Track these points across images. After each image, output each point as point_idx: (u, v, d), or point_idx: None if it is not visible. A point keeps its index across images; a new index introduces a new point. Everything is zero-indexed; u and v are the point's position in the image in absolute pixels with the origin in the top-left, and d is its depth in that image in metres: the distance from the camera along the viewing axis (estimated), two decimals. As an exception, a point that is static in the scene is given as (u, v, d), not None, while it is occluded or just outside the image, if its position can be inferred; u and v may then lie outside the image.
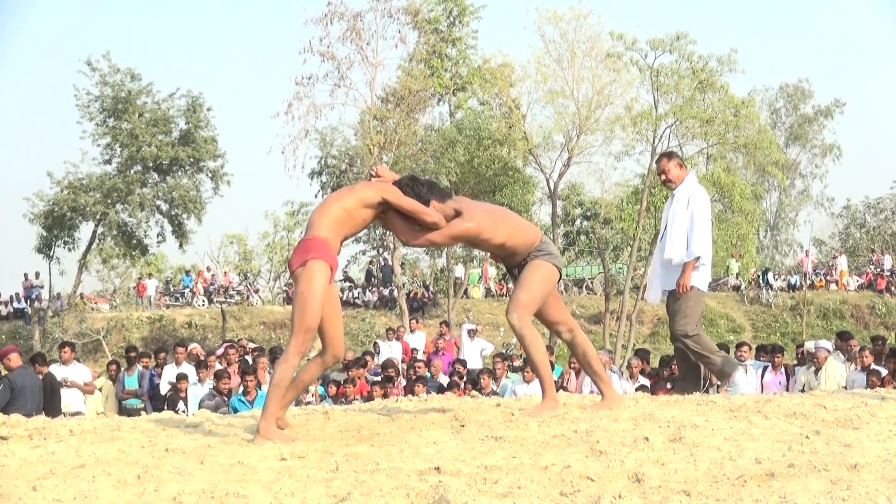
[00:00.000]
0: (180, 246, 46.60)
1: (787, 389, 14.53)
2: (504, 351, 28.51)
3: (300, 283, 6.97)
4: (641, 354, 17.93)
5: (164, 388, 16.88)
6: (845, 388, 13.70)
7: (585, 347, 8.08)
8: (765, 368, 15.63)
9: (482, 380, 15.72)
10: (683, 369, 10.17)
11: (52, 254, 45.68)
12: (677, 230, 9.60)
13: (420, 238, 7.56)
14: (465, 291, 46.86)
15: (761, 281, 48.18)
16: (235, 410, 12.87)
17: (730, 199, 37.49)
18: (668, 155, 10.13)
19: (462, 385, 15.92)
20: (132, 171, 44.29)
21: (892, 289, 47.50)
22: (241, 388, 14.38)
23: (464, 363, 18.71)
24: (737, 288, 49.83)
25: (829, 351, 15.11)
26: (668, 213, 9.76)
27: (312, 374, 7.39)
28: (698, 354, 9.63)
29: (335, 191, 7.44)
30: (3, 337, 42.25)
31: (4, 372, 14.26)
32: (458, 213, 7.54)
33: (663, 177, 9.90)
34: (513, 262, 7.91)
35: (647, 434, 6.27)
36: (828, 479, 5.06)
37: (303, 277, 6.96)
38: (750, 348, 16.18)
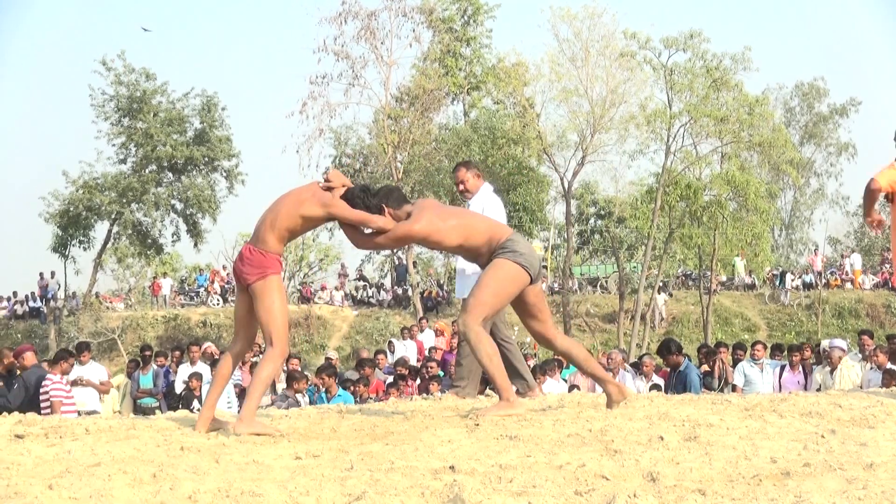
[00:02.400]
0: (195, 245, 46.77)
1: (806, 388, 14.49)
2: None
3: (266, 298, 7.32)
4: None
5: (180, 387, 16.92)
6: (860, 387, 13.66)
7: (572, 351, 7.98)
8: (782, 367, 15.59)
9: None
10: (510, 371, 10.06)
11: (67, 253, 45.84)
12: None
13: (368, 242, 7.72)
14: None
15: (777, 281, 48.09)
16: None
17: (744, 197, 37.44)
18: (466, 164, 10.05)
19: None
20: (147, 171, 44.44)
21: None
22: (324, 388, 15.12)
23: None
24: (751, 287, 49.74)
25: (843, 350, 15.07)
26: None
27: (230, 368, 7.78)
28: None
29: (284, 194, 7.47)
30: (20, 336, 42.41)
31: (18, 371, 14.32)
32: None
33: (461, 186, 9.86)
34: (481, 263, 7.78)
35: (661, 433, 6.26)
36: (843, 478, 5.04)
37: (266, 292, 7.33)
38: (765, 347, 16.13)
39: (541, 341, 8.06)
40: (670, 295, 47.50)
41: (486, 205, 9.71)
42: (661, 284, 43.49)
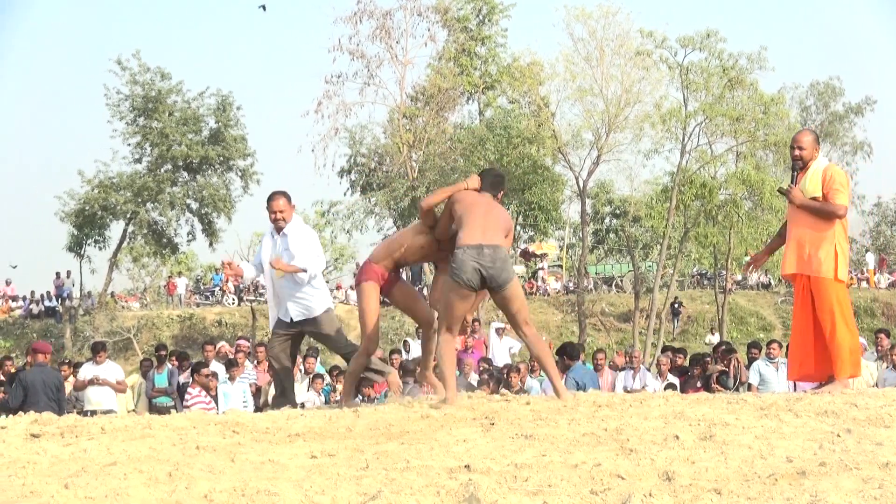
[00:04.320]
0: (210, 244, 46.83)
1: (820, 387, 14.41)
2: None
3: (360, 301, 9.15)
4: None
5: (195, 387, 16.95)
6: (876, 386, 13.63)
7: (531, 348, 8.88)
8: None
9: (511, 378, 15.68)
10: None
11: (83, 252, 45.94)
12: (300, 262, 9.75)
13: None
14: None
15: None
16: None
17: (759, 196, 37.36)
18: (284, 194, 10.13)
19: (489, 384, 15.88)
20: (162, 170, 44.53)
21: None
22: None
23: (489, 361, 18.65)
24: (766, 286, 49.65)
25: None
26: (277, 250, 9.94)
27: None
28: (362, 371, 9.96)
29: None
30: (35, 335, 42.51)
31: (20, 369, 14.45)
32: None
33: (280, 215, 9.94)
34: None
35: (677, 432, 6.25)
36: (859, 477, 5.03)
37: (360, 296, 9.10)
38: (780, 346, 16.08)
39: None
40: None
41: (301, 231, 10.03)
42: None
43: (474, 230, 8.34)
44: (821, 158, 9.25)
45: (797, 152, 9.19)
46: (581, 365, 14.87)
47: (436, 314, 8.96)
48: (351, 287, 47.99)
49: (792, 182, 9.24)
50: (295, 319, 9.88)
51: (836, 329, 8.89)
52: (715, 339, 37.14)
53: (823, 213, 8.98)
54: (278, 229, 9.98)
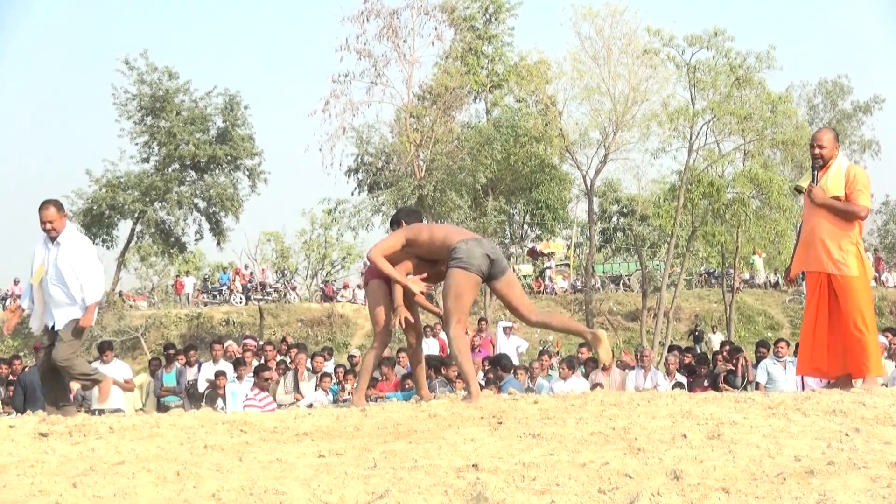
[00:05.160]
0: (218, 244, 46.82)
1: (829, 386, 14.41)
2: (542, 348, 28.48)
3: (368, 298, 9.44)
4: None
5: (202, 386, 16.96)
6: (885, 385, 13.61)
7: (549, 321, 9.64)
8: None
9: (518, 376, 15.68)
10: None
11: (90, 252, 45.88)
12: (77, 275, 10.10)
13: None
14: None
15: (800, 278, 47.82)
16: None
17: (767, 195, 37.31)
18: (56, 203, 10.23)
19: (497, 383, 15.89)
20: (170, 170, 44.55)
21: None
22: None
23: (498, 360, 18.63)
24: (774, 285, 49.61)
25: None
26: (50, 258, 10.16)
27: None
28: (73, 377, 10.68)
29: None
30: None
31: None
32: None
33: (50, 225, 10.09)
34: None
35: (685, 431, 6.25)
36: (868, 476, 5.02)
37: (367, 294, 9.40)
38: (788, 345, 16.08)
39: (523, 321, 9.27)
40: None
41: (77, 242, 10.28)
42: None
43: (455, 232, 8.91)
44: (841, 157, 9.25)
45: (817, 150, 9.18)
46: (513, 378, 14.89)
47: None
48: (358, 286, 48.08)
49: (812, 181, 9.22)
50: (58, 327, 10.23)
51: (867, 327, 8.88)
52: (716, 338, 37.04)
53: (845, 213, 8.96)
54: (51, 238, 10.18)
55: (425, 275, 9.08)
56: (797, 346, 17.23)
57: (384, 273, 8.85)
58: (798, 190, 9.44)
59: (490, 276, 8.79)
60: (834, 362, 9.21)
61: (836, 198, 8.99)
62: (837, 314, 9.05)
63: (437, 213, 37.55)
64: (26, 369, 15.24)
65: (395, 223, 9.49)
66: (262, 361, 17.32)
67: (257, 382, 15.09)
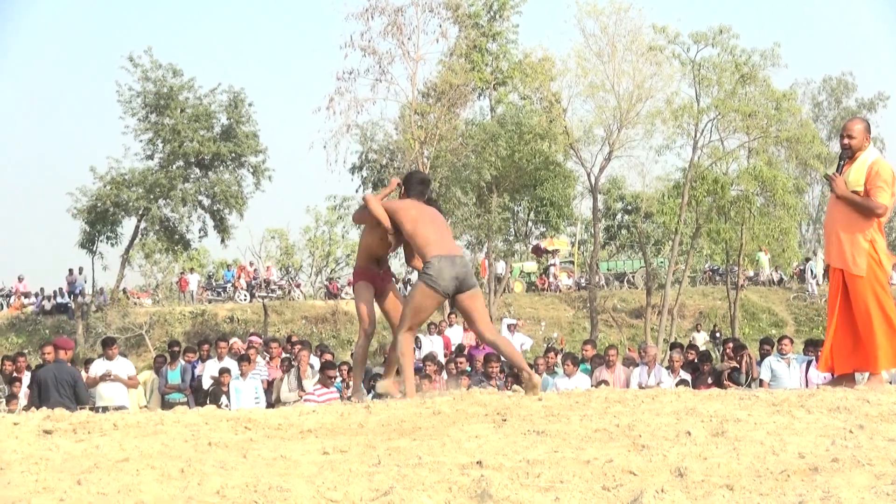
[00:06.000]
0: (222, 241, 46.79)
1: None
2: (546, 345, 28.48)
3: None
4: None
5: (207, 383, 16.96)
6: (890, 382, 13.59)
7: (496, 344, 9.61)
8: (809, 363, 15.48)
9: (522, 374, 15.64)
10: None
11: (95, 249, 45.94)
12: None
13: None
14: (507, 285, 46.78)
15: (809, 274, 47.63)
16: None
17: (772, 192, 37.35)
18: None
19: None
20: (174, 167, 44.54)
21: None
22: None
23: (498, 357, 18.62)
24: (779, 282, 49.57)
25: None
26: None
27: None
28: None
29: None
30: (48, 332, 42.61)
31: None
32: None
33: None
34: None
35: (689, 428, 6.24)
36: (872, 473, 5.03)
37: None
38: (791, 342, 16.08)
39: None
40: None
41: None
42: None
43: (435, 241, 9.23)
44: (871, 149, 9.06)
45: (846, 141, 9.02)
46: None
47: None
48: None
49: (838, 170, 9.10)
50: None
51: (873, 325, 8.79)
52: (700, 337, 36.95)
53: (862, 208, 8.80)
54: None
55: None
56: (807, 343, 17.26)
57: (374, 213, 9.39)
58: (826, 178, 9.33)
59: (455, 292, 9.20)
60: (842, 357, 9.14)
61: (856, 192, 8.88)
62: (849, 310, 8.98)
63: (442, 211, 37.48)
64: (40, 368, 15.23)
65: (404, 183, 10.10)
66: (267, 359, 17.42)
67: (321, 380, 15.18)
